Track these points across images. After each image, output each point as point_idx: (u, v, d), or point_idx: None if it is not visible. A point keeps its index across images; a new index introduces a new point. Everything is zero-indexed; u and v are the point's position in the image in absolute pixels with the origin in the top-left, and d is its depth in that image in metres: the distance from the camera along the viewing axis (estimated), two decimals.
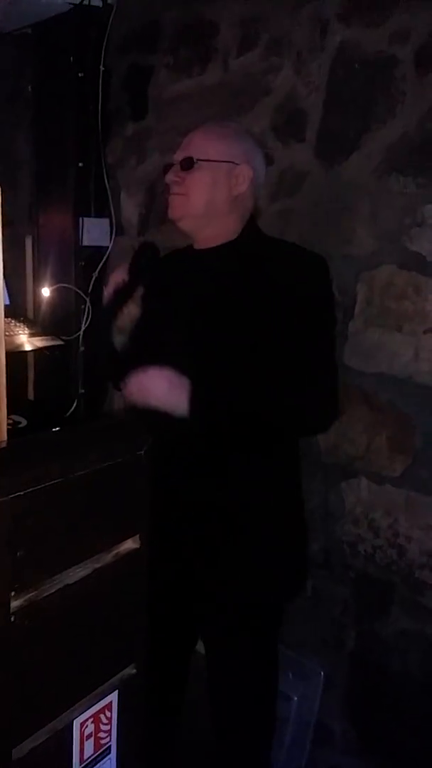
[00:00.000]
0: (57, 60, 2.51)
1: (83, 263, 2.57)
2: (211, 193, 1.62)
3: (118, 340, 1.72)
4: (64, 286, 2.58)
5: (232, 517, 1.62)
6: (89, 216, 2.55)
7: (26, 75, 2.68)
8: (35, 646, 1.04)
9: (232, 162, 1.63)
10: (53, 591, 1.06)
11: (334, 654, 2.07)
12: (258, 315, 1.56)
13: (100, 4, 2.40)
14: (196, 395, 1.50)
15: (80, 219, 2.53)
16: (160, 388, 1.50)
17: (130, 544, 1.20)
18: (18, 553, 0.98)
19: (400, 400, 1.88)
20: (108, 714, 1.19)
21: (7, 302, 2.59)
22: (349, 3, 1.88)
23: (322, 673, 2.10)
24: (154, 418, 1.50)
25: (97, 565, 1.14)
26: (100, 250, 2.58)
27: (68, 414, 2.61)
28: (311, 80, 1.98)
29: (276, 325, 1.55)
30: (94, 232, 2.54)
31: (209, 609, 1.72)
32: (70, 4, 2.38)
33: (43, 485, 1.01)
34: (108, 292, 1.69)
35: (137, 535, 1.21)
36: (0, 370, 1.08)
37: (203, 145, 1.64)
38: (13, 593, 0.99)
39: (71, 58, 2.45)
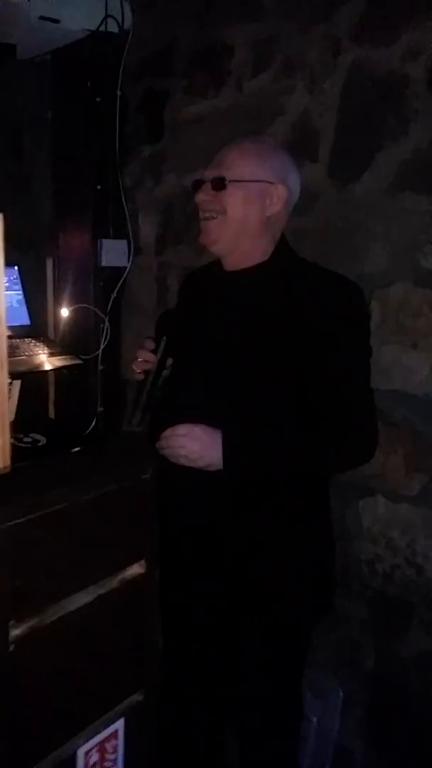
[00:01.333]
0: (75, 85, 2.55)
1: (102, 283, 2.60)
2: (245, 213, 1.57)
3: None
4: (83, 306, 2.61)
5: (259, 544, 1.59)
6: (108, 237, 2.57)
7: (46, 100, 2.72)
8: (36, 674, 1.04)
9: (267, 181, 1.57)
10: (55, 618, 1.06)
11: (353, 674, 2.05)
12: (293, 346, 1.51)
13: (117, 30, 2.43)
14: (230, 452, 1.47)
15: (99, 240, 2.56)
16: (192, 450, 1.48)
17: (136, 569, 1.20)
18: (17, 581, 0.99)
19: (416, 417, 1.86)
20: (114, 742, 1.18)
21: (28, 322, 2.64)
22: (361, 22, 1.89)
23: (341, 693, 2.07)
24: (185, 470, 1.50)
25: (101, 591, 1.14)
26: (118, 271, 2.61)
27: (87, 432, 2.63)
28: (324, 100, 1.98)
29: (312, 357, 1.50)
30: (113, 252, 2.56)
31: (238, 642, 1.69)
32: (87, 30, 2.41)
33: (43, 512, 1.02)
34: (137, 372, 1.63)
35: (143, 560, 1.21)
36: (3, 393, 1.09)
37: (237, 164, 1.58)
38: (12, 621, 0.99)
39: (89, 84, 2.49)
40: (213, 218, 1.59)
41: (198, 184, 1.63)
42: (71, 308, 2.65)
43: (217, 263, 1.69)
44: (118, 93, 2.49)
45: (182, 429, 1.49)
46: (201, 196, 1.60)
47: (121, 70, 2.47)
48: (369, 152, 1.88)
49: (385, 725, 2.00)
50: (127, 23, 2.46)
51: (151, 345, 1.62)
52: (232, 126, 2.21)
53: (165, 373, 1.61)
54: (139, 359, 1.63)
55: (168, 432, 1.50)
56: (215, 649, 1.74)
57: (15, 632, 1.00)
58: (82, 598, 1.11)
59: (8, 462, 1.15)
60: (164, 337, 1.60)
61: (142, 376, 1.62)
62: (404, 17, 1.78)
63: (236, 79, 2.20)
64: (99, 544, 1.13)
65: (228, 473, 1.49)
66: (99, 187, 2.55)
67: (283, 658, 1.68)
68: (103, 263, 2.56)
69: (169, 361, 1.60)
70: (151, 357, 1.60)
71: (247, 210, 1.57)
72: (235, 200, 1.56)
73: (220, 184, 1.56)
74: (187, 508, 1.60)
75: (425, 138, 1.78)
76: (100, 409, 2.66)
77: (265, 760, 1.74)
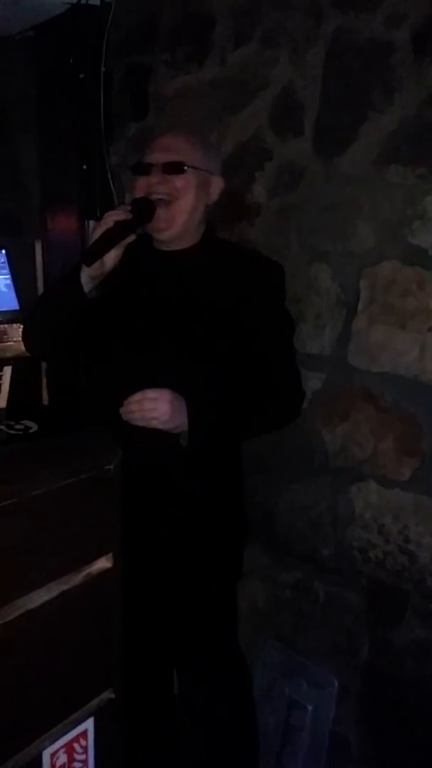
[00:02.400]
0: (58, 62, 2.49)
1: None
2: (195, 199, 1.66)
3: (88, 285, 1.65)
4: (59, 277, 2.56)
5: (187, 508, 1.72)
6: (95, 218, 2.51)
7: (31, 78, 2.66)
8: None
9: (211, 172, 1.69)
10: (14, 617, 1.03)
11: (348, 662, 2.01)
12: (229, 317, 1.65)
13: (98, 2, 2.36)
14: (195, 414, 1.58)
15: (86, 222, 2.50)
16: (164, 412, 1.54)
17: (102, 564, 1.17)
18: None
19: (406, 400, 1.81)
20: (83, 743, 1.16)
21: (17, 307, 2.59)
22: None
23: (336, 682, 2.04)
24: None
25: (65, 587, 1.11)
26: None
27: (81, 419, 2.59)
28: (308, 71, 1.91)
29: (245, 326, 1.65)
30: None
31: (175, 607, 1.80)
32: (67, 3, 2.34)
33: None
34: (102, 228, 1.61)
35: (110, 554, 1.18)
36: None
37: (190, 150, 1.66)
38: None
39: (71, 60, 2.43)
40: (165, 202, 1.64)
41: (147, 168, 1.67)
42: None
43: (148, 240, 1.74)
44: (102, 69, 2.41)
45: (153, 393, 1.55)
46: (150, 180, 1.65)
47: (104, 46, 2.40)
48: (354, 125, 1.81)
49: (380, 713, 1.97)
50: None
51: (128, 207, 1.65)
52: (217, 99, 2.15)
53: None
54: (113, 214, 1.63)
55: (137, 396, 1.55)
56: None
57: None
58: (44, 595, 1.08)
59: None
60: (142, 210, 1.63)
61: (111, 224, 1.60)
62: None
63: (219, 51, 2.13)
64: (60, 539, 1.09)
65: (193, 434, 1.58)
66: (85, 167, 2.49)
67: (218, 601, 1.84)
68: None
69: (132, 237, 1.61)
70: (126, 215, 1.61)
71: (197, 196, 1.67)
72: (189, 186, 1.65)
73: (176, 169, 1.63)
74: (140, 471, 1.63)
75: (411, 108, 1.71)
76: None
77: (217, 707, 1.84)
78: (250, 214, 2.10)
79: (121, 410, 1.57)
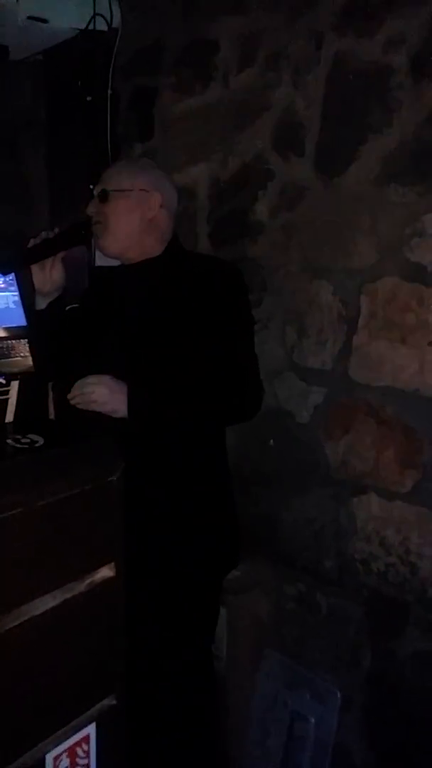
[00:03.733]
0: (66, 85, 2.54)
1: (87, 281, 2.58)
2: (127, 219, 1.78)
3: (39, 303, 1.91)
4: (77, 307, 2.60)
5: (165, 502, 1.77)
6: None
7: (40, 100, 2.72)
8: None
9: (143, 190, 1.79)
10: (18, 623, 1.06)
11: (351, 674, 2.02)
12: (182, 319, 1.73)
13: (106, 28, 2.42)
14: (134, 397, 1.65)
15: (93, 240, 2.54)
16: (101, 394, 1.65)
17: (105, 572, 1.20)
18: None
19: (407, 413, 1.83)
20: (85, 747, 1.18)
21: (25, 323, 2.63)
22: (343, 13, 1.86)
23: (339, 694, 2.05)
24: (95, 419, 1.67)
25: (68, 595, 1.14)
26: (110, 270, 2.59)
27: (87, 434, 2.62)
28: (309, 93, 1.96)
29: (199, 327, 1.72)
30: None
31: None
32: (76, 29, 2.40)
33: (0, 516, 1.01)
34: (35, 241, 1.84)
35: (112, 563, 1.21)
36: None
37: (115, 177, 1.82)
38: None
39: (79, 83, 2.48)
40: (100, 223, 1.80)
41: (89, 200, 1.85)
42: (67, 309, 2.64)
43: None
44: (109, 92, 2.47)
45: (91, 378, 1.67)
46: (90, 209, 1.82)
47: (111, 69, 2.46)
48: (354, 145, 1.85)
49: (383, 725, 1.97)
50: (116, 21, 2.44)
51: (57, 230, 1.86)
52: (221, 122, 2.19)
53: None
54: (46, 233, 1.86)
55: (79, 383, 1.68)
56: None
57: None
58: (49, 603, 1.10)
59: None
60: (82, 231, 1.83)
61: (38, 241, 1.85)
62: (385, 6, 1.76)
63: (222, 74, 2.18)
64: (64, 547, 1.12)
65: (132, 418, 1.65)
66: (92, 186, 2.52)
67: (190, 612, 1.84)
68: (97, 263, 2.54)
69: (62, 255, 1.85)
70: (51, 235, 1.84)
71: (129, 216, 1.79)
72: (116, 209, 1.79)
73: (103, 196, 1.80)
74: None
75: (409, 128, 1.75)
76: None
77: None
78: (253, 232, 2.14)
79: (68, 396, 1.69)
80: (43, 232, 1.86)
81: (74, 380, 1.73)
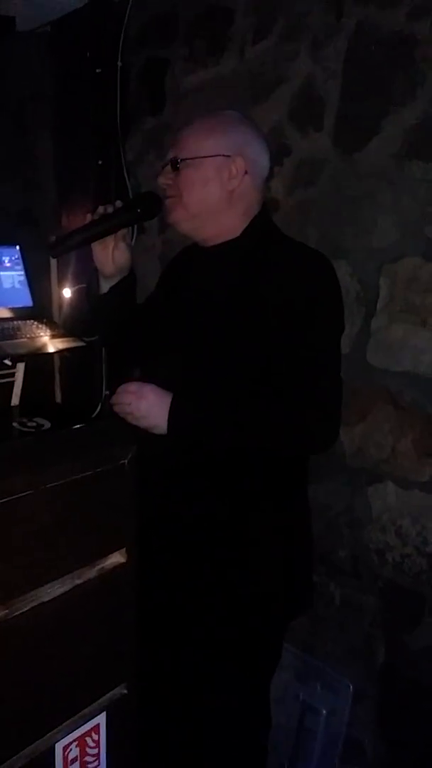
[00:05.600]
0: (75, 57, 2.46)
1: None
2: (203, 191, 1.53)
3: (104, 285, 1.69)
4: (85, 287, 2.53)
5: (225, 535, 1.51)
6: None
7: (47, 73, 2.64)
8: (6, 666, 0.99)
9: (221, 155, 1.52)
10: (26, 609, 1.01)
11: (364, 666, 1.98)
12: (260, 321, 1.45)
13: None
14: (176, 417, 1.44)
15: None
16: (138, 408, 1.45)
17: (116, 558, 1.15)
18: None
19: (426, 399, 1.77)
20: (95, 737, 1.14)
21: (30, 303, 2.57)
22: None
23: (351, 686, 2.00)
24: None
25: (79, 581, 1.09)
26: None
27: (94, 416, 2.56)
28: (328, 65, 1.88)
29: (278, 334, 1.44)
30: None
31: (194, 631, 1.58)
32: None
33: (9, 498, 0.96)
34: (93, 216, 1.61)
35: (124, 549, 1.15)
36: None
37: (189, 142, 1.55)
38: None
39: (88, 54, 2.40)
40: (173, 197, 1.56)
41: (162, 166, 1.60)
42: (74, 289, 2.58)
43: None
44: (119, 64, 2.39)
45: (132, 386, 1.48)
46: (161, 179, 1.59)
47: (121, 40, 2.38)
48: (375, 119, 1.78)
49: (396, 718, 1.93)
50: None
51: (120, 204, 1.61)
52: (235, 95, 2.12)
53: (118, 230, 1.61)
54: (102, 208, 1.62)
55: (120, 387, 1.49)
56: (186, 641, 1.63)
57: None
58: (58, 588, 1.05)
59: None
60: (138, 208, 1.60)
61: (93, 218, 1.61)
62: None
63: (238, 45, 2.10)
64: (74, 532, 1.07)
65: (170, 436, 1.44)
66: (100, 162, 2.47)
67: (247, 663, 1.59)
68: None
69: (124, 231, 1.61)
70: (111, 210, 1.59)
71: (205, 188, 1.53)
72: (190, 180, 1.53)
73: (174, 165, 1.54)
74: (155, 490, 1.48)
75: None
76: (105, 392, 2.60)
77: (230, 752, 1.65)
78: (268, 210, 2.07)
79: (110, 399, 1.51)
80: (100, 207, 1.62)
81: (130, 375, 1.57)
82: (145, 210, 1.60)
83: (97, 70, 2.41)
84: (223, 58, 2.15)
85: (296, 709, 2.05)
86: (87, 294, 1.79)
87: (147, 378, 1.55)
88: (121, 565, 1.14)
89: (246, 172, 1.53)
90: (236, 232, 1.57)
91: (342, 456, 1.95)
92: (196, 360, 1.52)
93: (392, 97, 1.75)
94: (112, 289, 1.69)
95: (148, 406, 1.44)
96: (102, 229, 1.59)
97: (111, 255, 1.62)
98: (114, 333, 1.80)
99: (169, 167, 1.56)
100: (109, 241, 1.61)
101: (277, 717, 2.03)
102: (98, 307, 1.74)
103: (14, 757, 1.02)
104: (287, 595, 1.59)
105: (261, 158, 1.58)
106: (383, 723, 1.96)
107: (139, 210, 1.60)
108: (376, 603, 1.93)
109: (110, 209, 1.60)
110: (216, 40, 2.16)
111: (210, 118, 1.60)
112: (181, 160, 1.53)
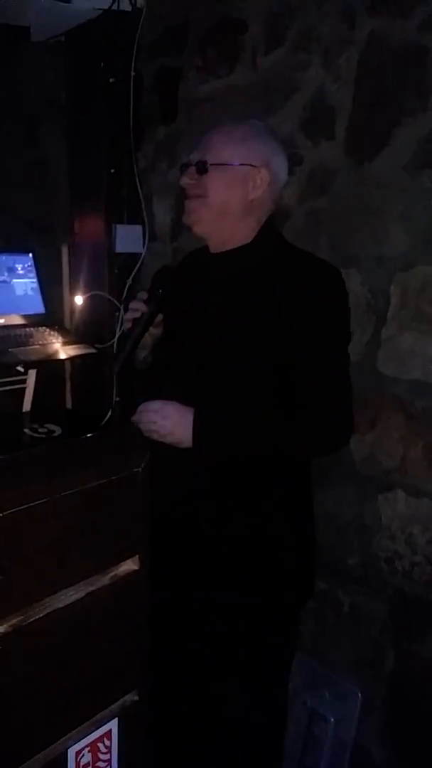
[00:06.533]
0: (88, 66, 2.49)
1: (117, 270, 2.54)
2: (227, 196, 1.57)
3: (141, 355, 1.70)
4: (98, 294, 2.56)
5: (233, 541, 1.56)
6: (122, 223, 2.51)
7: (61, 83, 2.67)
8: (21, 672, 1.00)
9: (250, 165, 1.56)
10: (41, 616, 1.02)
11: (373, 674, 1.97)
12: (272, 330, 1.50)
13: (130, 8, 2.37)
14: (200, 431, 1.48)
15: (113, 226, 2.50)
16: (163, 426, 1.48)
17: (129, 566, 1.16)
18: None
19: None
20: (107, 742, 1.15)
21: (43, 311, 2.59)
22: None
23: (360, 694, 2.00)
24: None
25: (92, 588, 1.10)
26: (133, 257, 2.54)
27: (104, 422, 2.58)
28: (340, 75, 1.90)
29: (290, 343, 1.49)
30: (127, 238, 2.50)
31: (205, 628, 1.62)
32: (99, 9, 2.35)
33: (26, 506, 0.97)
34: (127, 321, 1.64)
35: (136, 556, 1.16)
36: None
37: (219, 147, 1.58)
38: None
39: (102, 64, 2.43)
40: (196, 197, 1.60)
41: (185, 167, 1.63)
42: (86, 296, 2.60)
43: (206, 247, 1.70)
44: (132, 73, 2.41)
45: (155, 405, 1.51)
46: (185, 179, 1.61)
47: (134, 49, 2.40)
48: (387, 129, 1.79)
49: (404, 726, 1.93)
50: (140, 1, 2.38)
51: (144, 296, 1.63)
52: (247, 104, 2.13)
53: (154, 331, 1.65)
54: (131, 308, 1.63)
55: (142, 406, 1.52)
56: (198, 641, 1.65)
57: None
58: (72, 596, 1.06)
59: None
60: (159, 290, 1.60)
61: (130, 324, 1.63)
62: None
63: (250, 55, 2.12)
64: (88, 539, 1.08)
65: (196, 451, 1.49)
66: (113, 170, 2.49)
67: (262, 649, 1.63)
68: (118, 249, 2.50)
69: (160, 317, 1.63)
70: (142, 307, 1.60)
71: (229, 193, 1.57)
72: (216, 184, 1.57)
73: (202, 168, 1.57)
74: (166, 494, 1.50)
75: None
76: (116, 398, 2.61)
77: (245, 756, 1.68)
78: (279, 218, 2.08)
79: (132, 418, 1.54)
80: (132, 304, 1.64)
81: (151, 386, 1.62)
82: (164, 288, 1.61)
83: (111, 80, 2.44)
84: (236, 67, 2.17)
85: (304, 716, 2.05)
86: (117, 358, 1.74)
87: (161, 388, 1.58)
88: (134, 572, 1.15)
89: (269, 183, 1.58)
90: (247, 239, 1.61)
91: (352, 464, 1.96)
92: (210, 370, 1.56)
93: (404, 107, 1.76)
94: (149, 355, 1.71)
95: (173, 424, 1.48)
96: (143, 329, 1.62)
97: (148, 335, 1.65)
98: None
99: (193, 168, 1.59)
100: None
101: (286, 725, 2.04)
102: (140, 372, 1.76)
103: (28, 761, 1.03)
104: (298, 581, 1.66)
105: (282, 171, 1.63)
106: (391, 731, 1.95)
107: (160, 291, 1.61)
108: (386, 611, 1.93)
109: (137, 313, 1.61)
110: (229, 49, 2.18)
111: (241, 126, 1.63)
112: (211, 164, 1.56)
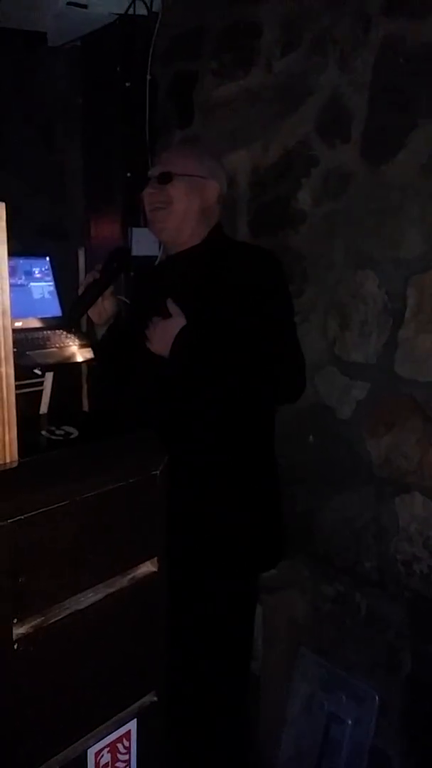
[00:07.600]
0: (104, 71, 2.50)
1: (133, 273, 2.55)
2: (188, 203, 1.82)
3: (99, 333, 2.01)
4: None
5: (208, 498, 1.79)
6: (138, 226, 2.52)
7: (77, 87, 2.69)
8: (42, 673, 1.01)
9: (203, 177, 1.83)
10: (61, 617, 1.02)
11: (389, 677, 1.97)
12: (224, 310, 1.73)
13: (146, 13, 2.38)
14: (179, 340, 1.72)
15: (129, 229, 2.51)
16: (154, 333, 1.77)
17: (147, 567, 1.16)
18: (20, 579, 0.95)
19: None
20: (126, 743, 1.15)
21: (60, 314, 2.61)
22: None
23: (377, 697, 2.00)
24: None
25: (111, 590, 1.10)
26: (149, 260, 2.55)
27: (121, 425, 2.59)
28: (355, 78, 1.90)
29: (240, 313, 1.71)
30: (144, 241, 2.50)
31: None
32: (115, 14, 2.37)
33: (46, 508, 0.98)
34: (81, 287, 1.94)
35: (155, 558, 1.17)
36: (9, 387, 1.05)
37: (182, 161, 1.84)
38: (15, 620, 0.96)
39: (118, 69, 2.45)
40: (160, 209, 1.83)
41: (147, 181, 1.88)
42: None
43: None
44: (148, 77, 2.43)
45: (161, 321, 1.78)
46: (149, 191, 1.85)
47: (150, 54, 2.42)
48: (403, 131, 1.79)
49: (422, 729, 1.92)
50: (156, 6, 2.40)
51: (99, 267, 1.92)
52: (263, 107, 2.14)
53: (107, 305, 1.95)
54: (87, 276, 1.94)
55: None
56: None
57: (18, 631, 0.97)
58: (91, 597, 1.07)
59: (15, 456, 1.11)
60: (114, 263, 1.90)
61: (83, 289, 1.93)
62: None
63: (265, 58, 2.13)
64: (107, 541, 1.08)
65: (172, 356, 1.73)
66: (129, 174, 2.50)
67: (231, 604, 1.88)
68: (134, 252, 2.51)
69: (111, 288, 1.93)
70: (97, 276, 1.90)
71: (190, 201, 1.82)
72: (179, 192, 1.82)
73: (166, 178, 1.82)
74: None
75: None
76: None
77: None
78: (295, 221, 2.09)
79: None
80: (87, 275, 1.95)
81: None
82: (119, 262, 1.93)
83: (126, 84, 2.46)
84: (251, 71, 2.18)
85: (321, 719, 2.05)
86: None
87: (139, 369, 1.90)
88: (153, 573, 1.15)
89: (219, 194, 1.86)
90: (199, 240, 1.87)
91: (368, 466, 1.96)
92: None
93: (420, 109, 1.76)
94: (110, 327, 2.00)
95: (162, 334, 1.75)
96: (96, 293, 1.90)
97: (102, 307, 1.94)
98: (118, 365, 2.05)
99: (155, 180, 1.84)
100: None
101: (302, 727, 2.04)
102: (102, 350, 2.07)
103: (48, 762, 1.03)
104: (262, 542, 1.89)
105: (224, 184, 1.92)
106: (409, 734, 1.95)
107: (115, 264, 1.91)
108: (402, 614, 1.93)
109: (90, 279, 1.91)
110: (244, 53, 2.19)
111: (194, 146, 2.03)
112: (175, 174, 1.81)
